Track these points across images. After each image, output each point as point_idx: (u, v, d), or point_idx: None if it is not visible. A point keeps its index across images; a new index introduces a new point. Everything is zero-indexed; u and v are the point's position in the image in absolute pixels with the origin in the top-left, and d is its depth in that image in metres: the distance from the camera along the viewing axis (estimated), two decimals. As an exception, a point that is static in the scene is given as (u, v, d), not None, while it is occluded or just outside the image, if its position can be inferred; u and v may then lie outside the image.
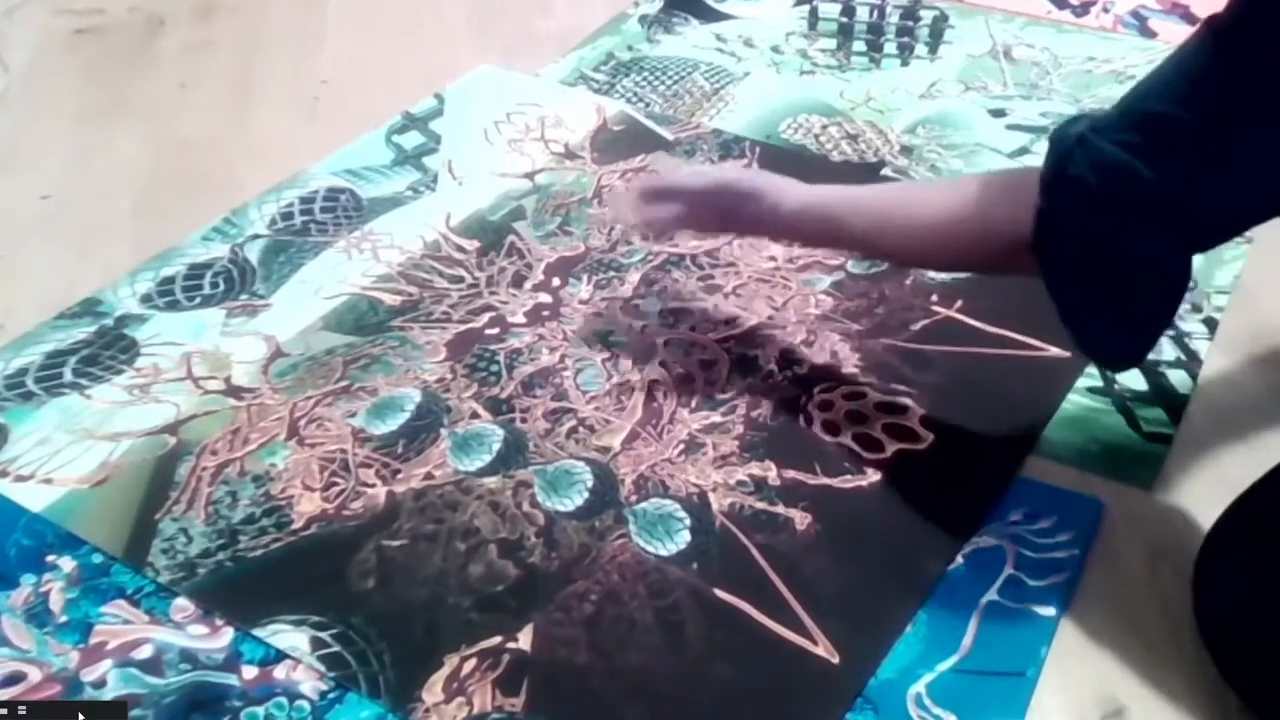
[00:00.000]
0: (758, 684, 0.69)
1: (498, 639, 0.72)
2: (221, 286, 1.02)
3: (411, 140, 1.20)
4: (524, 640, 0.72)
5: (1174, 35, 1.30)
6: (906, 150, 1.14)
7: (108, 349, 0.96)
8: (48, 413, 0.90)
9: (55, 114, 1.30)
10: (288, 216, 1.10)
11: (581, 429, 0.86)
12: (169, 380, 0.93)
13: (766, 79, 1.28)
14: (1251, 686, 0.64)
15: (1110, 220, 0.61)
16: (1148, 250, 0.61)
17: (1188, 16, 1.33)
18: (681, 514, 0.79)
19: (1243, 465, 0.77)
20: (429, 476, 0.83)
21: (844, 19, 1.37)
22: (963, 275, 0.97)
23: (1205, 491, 0.77)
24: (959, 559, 0.75)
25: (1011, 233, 0.65)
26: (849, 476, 0.81)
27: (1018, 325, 0.91)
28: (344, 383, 0.91)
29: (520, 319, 0.97)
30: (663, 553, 0.77)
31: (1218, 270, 0.97)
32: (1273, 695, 0.63)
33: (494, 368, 0.92)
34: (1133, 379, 0.87)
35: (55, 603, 0.76)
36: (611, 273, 1.01)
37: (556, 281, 1.01)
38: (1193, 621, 0.68)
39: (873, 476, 0.81)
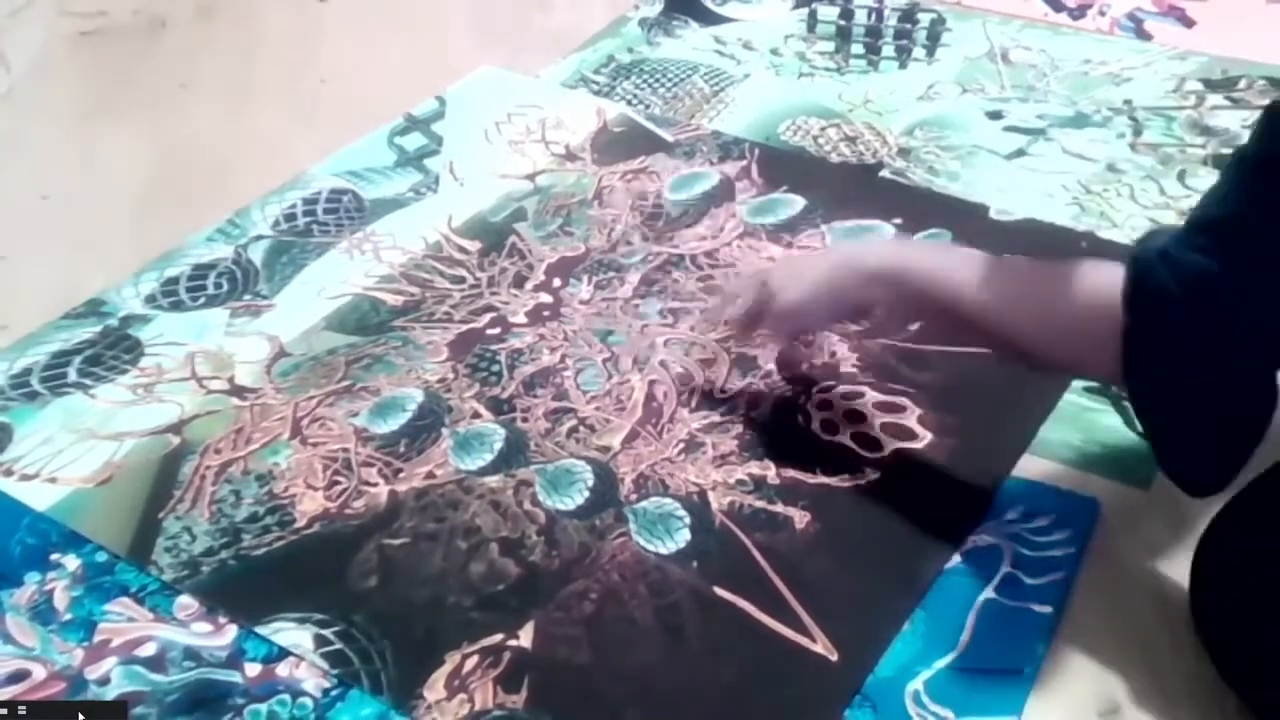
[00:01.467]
0: (757, 681, 0.69)
1: (499, 636, 0.72)
2: (225, 287, 1.03)
3: (413, 142, 1.21)
4: (525, 638, 0.72)
5: (1170, 38, 1.31)
6: (904, 152, 1.15)
7: (112, 349, 0.97)
8: (52, 412, 0.91)
9: (58, 114, 1.31)
10: (290, 217, 1.11)
11: (582, 428, 0.87)
12: (173, 380, 0.93)
13: (765, 81, 1.28)
14: (1249, 685, 0.65)
15: (1197, 331, 0.60)
16: (1232, 360, 0.60)
17: (1184, 19, 1.34)
18: (681, 513, 0.80)
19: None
20: (431, 476, 0.84)
21: (842, 22, 1.38)
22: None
23: (1201, 490, 0.78)
24: (957, 557, 0.75)
25: (1097, 364, 0.66)
26: (847, 475, 0.82)
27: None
28: (346, 382, 0.92)
29: (521, 319, 0.97)
30: (663, 551, 0.77)
31: (1214, 271, 0.97)
32: (1270, 693, 0.64)
33: (495, 368, 0.93)
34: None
35: (60, 601, 0.76)
36: (612, 273, 1.02)
37: (557, 282, 1.01)
38: (1189, 620, 0.69)
39: (871, 475, 0.81)
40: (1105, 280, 0.63)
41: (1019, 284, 0.71)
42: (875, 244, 0.80)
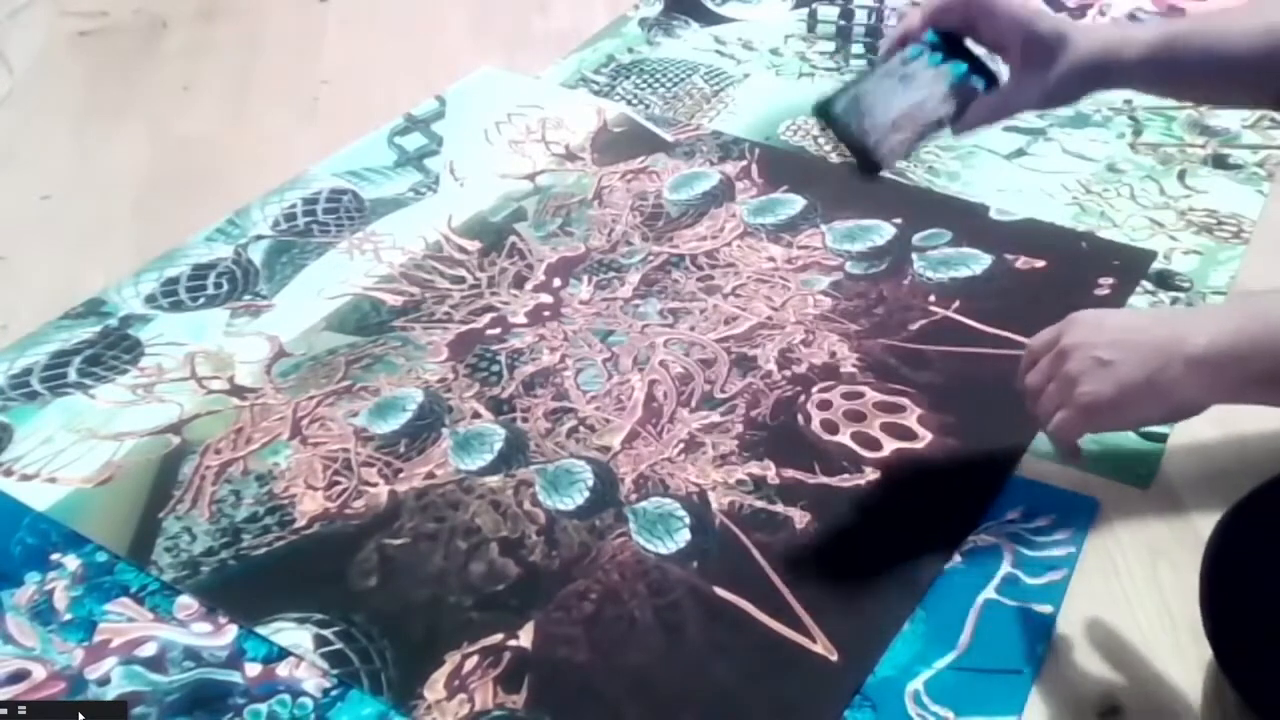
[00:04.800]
0: (757, 682, 0.69)
1: (499, 637, 0.72)
2: (225, 287, 1.03)
3: (413, 142, 1.21)
4: (525, 638, 0.72)
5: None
6: (905, 152, 1.15)
7: (112, 349, 0.97)
8: (52, 412, 0.91)
9: (58, 115, 1.31)
10: (290, 217, 1.11)
11: (582, 428, 0.87)
12: (173, 380, 0.93)
13: (765, 81, 1.28)
14: (1257, 688, 0.64)
15: None
16: None
17: (1185, 19, 1.33)
18: (681, 513, 0.80)
19: (1238, 463, 0.78)
20: (431, 476, 0.84)
21: (842, 22, 1.38)
22: (961, 276, 0.98)
23: (1201, 490, 0.78)
24: (957, 557, 0.75)
25: None
26: (847, 475, 0.82)
27: (1014, 325, 0.91)
28: (346, 383, 0.92)
29: (521, 319, 0.97)
30: (662, 551, 0.77)
31: (1214, 271, 0.98)
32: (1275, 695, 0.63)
33: (495, 368, 0.93)
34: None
35: (59, 601, 0.76)
36: (612, 273, 1.02)
37: (557, 282, 1.01)
38: (1189, 619, 0.68)
39: (871, 475, 0.81)
40: None
41: None
42: (1200, 317, 0.66)
